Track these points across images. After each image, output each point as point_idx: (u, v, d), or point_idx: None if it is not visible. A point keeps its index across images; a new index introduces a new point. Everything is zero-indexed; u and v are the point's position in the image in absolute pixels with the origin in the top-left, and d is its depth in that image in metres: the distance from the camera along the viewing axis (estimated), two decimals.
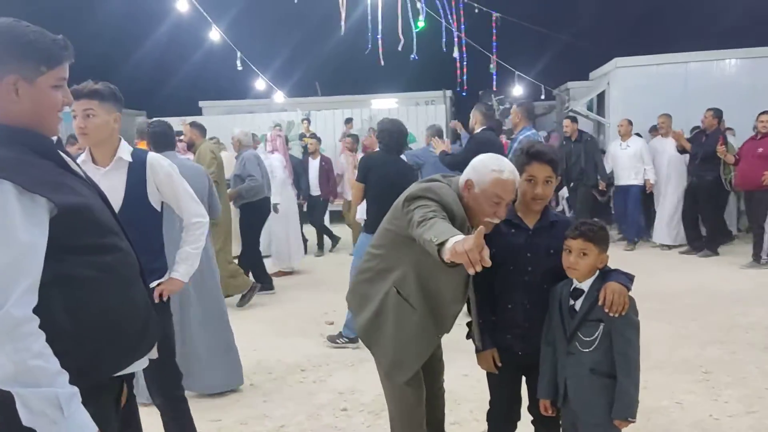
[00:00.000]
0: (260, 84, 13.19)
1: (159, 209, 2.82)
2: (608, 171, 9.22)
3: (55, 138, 1.68)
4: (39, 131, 1.59)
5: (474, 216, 2.41)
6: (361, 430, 3.55)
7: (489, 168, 2.36)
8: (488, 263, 1.81)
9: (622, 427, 2.30)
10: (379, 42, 8.80)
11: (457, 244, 1.86)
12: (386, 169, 4.79)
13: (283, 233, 7.89)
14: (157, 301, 2.71)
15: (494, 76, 10.59)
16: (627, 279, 2.32)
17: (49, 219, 1.48)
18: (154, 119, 4.70)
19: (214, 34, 9.30)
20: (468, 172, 2.44)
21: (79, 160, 2.59)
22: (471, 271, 1.83)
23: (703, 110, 8.78)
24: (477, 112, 5.76)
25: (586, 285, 2.35)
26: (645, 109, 9.91)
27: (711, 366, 4.22)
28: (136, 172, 2.72)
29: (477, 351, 2.64)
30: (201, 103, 15.97)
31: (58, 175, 1.58)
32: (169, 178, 2.80)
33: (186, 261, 2.87)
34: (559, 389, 2.43)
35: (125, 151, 2.73)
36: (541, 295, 2.48)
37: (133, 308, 1.71)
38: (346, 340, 5.02)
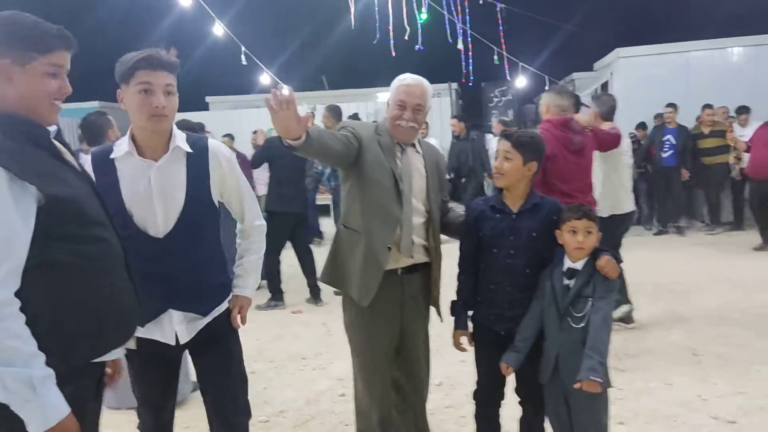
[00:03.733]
0: (266, 78, 13.25)
1: (218, 208, 2.33)
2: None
3: (54, 128, 1.73)
4: (35, 119, 1.65)
5: (394, 131, 2.66)
6: None
7: (396, 80, 2.67)
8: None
9: (592, 389, 2.31)
10: (390, 32, 8.82)
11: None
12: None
13: None
14: (241, 326, 2.38)
15: (505, 69, 10.60)
16: (614, 254, 2.47)
17: (36, 207, 1.55)
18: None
19: (218, 29, 9.38)
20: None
21: (117, 153, 2.16)
22: (276, 117, 2.11)
23: (706, 99, 8.88)
24: None
25: (580, 264, 2.46)
26: (648, 99, 9.93)
27: (703, 349, 4.29)
28: (197, 164, 2.22)
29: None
30: (208, 99, 16.09)
31: (50, 165, 1.64)
32: (231, 169, 2.34)
33: (253, 273, 2.45)
34: (546, 366, 2.51)
35: (181, 139, 2.21)
36: (523, 279, 2.56)
37: (112, 298, 1.75)
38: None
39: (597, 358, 2.32)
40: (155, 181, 2.14)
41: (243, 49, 9.73)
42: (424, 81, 2.66)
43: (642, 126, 9.78)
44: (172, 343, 2.20)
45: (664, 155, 8.97)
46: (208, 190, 2.24)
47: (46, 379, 1.54)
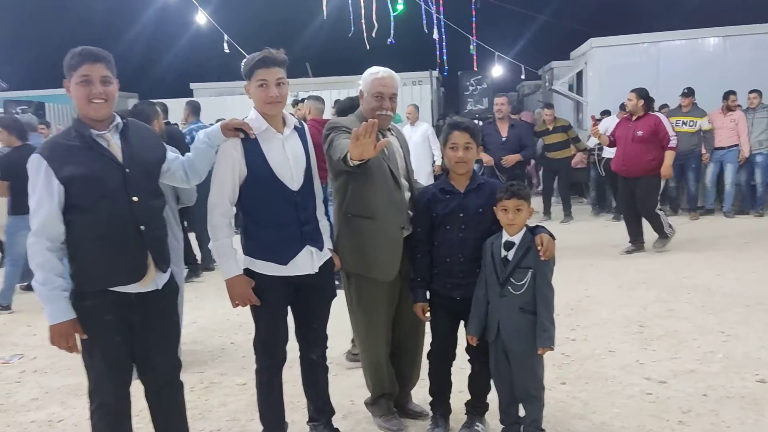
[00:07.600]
0: None
1: None
2: None
3: (118, 121, 2.44)
4: (84, 119, 2.37)
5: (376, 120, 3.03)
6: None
7: (368, 74, 3.04)
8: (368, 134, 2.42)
9: (544, 353, 2.74)
10: (363, 26, 9.11)
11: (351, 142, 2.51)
12: None
13: None
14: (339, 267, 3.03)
15: (473, 59, 10.89)
16: (550, 233, 2.79)
17: (62, 184, 2.29)
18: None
19: (201, 18, 9.60)
20: (360, 86, 3.07)
21: (259, 130, 2.70)
22: (359, 143, 2.44)
23: (675, 89, 9.21)
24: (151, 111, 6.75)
25: (517, 238, 2.78)
26: (619, 88, 10.23)
27: (648, 321, 4.66)
28: (303, 136, 2.86)
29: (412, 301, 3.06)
30: (192, 85, 16.22)
31: (80, 156, 2.33)
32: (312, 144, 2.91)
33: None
34: (490, 327, 2.84)
35: (290, 118, 2.85)
36: (474, 251, 2.90)
37: (108, 250, 2.38)
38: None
39: (551, 329, 2.71)
40: (288, 147, 2.77)
41: (225, 37, 9.97)
42: (393, 72, 3.03)
43: (606, 113, 10.12)
44: (314, 271, 2.82)
45: None
46: (311, 159, 2.86)
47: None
